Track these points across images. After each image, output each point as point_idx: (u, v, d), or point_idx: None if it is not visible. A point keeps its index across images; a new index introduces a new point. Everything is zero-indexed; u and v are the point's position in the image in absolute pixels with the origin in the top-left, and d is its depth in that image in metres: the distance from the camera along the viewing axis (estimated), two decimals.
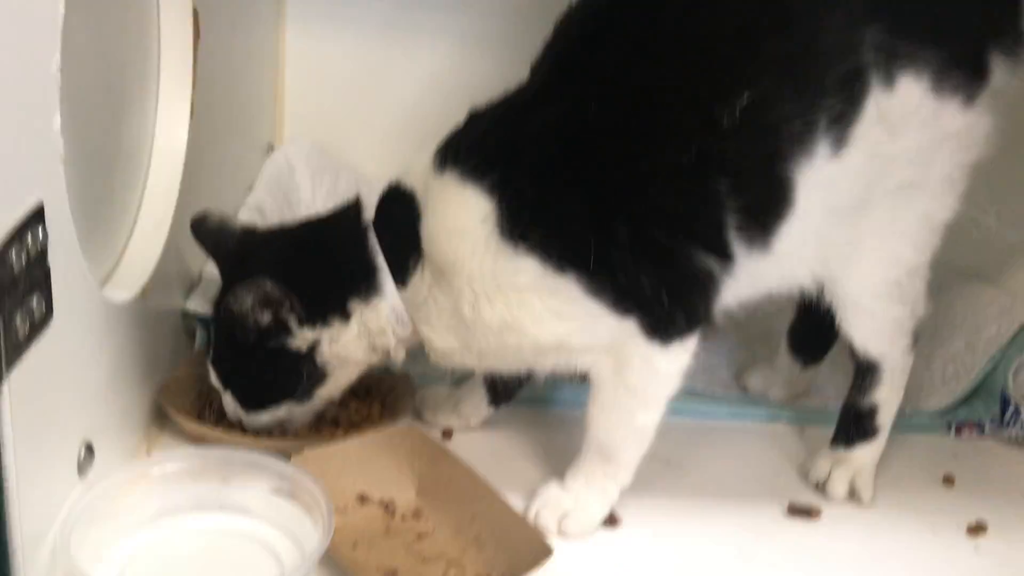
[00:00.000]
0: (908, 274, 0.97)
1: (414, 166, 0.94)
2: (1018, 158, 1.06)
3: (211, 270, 1.11)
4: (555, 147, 0.88)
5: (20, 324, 0.68)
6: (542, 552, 0.83)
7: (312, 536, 0.82)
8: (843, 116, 0.86)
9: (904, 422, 1.13)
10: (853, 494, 1.01)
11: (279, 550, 0.85)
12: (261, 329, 0.93)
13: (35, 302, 0.70)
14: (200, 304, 1.10)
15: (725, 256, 0.88)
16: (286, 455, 0.91)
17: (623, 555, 0.90)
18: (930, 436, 1.14)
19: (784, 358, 1.16)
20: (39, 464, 0.74)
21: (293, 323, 0.93)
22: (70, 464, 0.80)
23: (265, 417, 0.98)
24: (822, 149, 0.86)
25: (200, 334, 1.09)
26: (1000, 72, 0.92)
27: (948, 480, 1.05)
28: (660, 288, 0.88)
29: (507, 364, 0.96)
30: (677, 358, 0.91)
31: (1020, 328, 1.14)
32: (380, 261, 0.93)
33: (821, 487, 1.02)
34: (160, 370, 1.03)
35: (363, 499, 0.94)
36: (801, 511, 0.97)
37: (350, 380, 0.99)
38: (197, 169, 1.08)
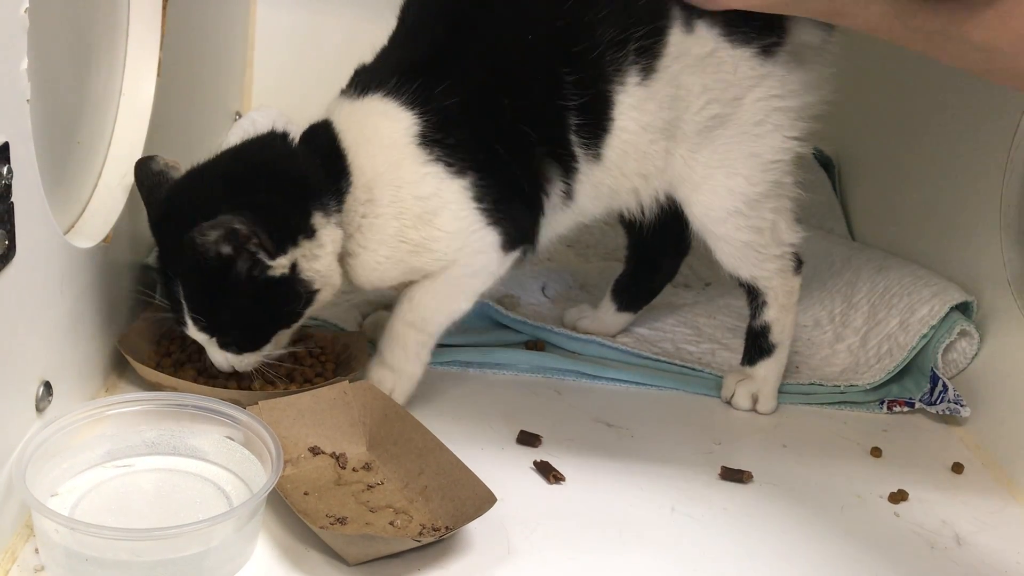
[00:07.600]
0: (747, 205, 1.05)
1: (327, 107, 1.02)
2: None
3: None
4: (452, 72, 0.97)
5: None
6: (486, 501, 0.84)
7: (262, 479, 0.83)
8: (649, 49, 0.98)
9: (839, 396, 1.18)
10: (755, 405, 1.14)
11: (228, 490, 0.85)
12: (230, 264, 0.91)
13: None
14: None
15: (570, 158, 1.00)
16: (241, 405, 0.91)
17: (566, 508, 0.93)
18: (863, 410, 1.17)
19: (605, 300, 1.27)
20: None
21: (264, 256, 0.91)
22: (28, 400, 0.80)
23: (256, 357, 0.98)
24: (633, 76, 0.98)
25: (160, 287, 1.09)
26: (806, 30, 1.00)
27: (876, 452, 1.09)
28: (522, 198, 1.01)
29: (405, 279, 1.04)
30: (507, 263, 1.04)
31: (951, 309, 1.16)
32: (321, 179, 0.96)
33: (729, 401, 1.16)
34: (121, 319, 1.03)
35: (315, 451, 0.94)
36: (733, 475, 1.00)
37: (331, 295, 1.00)
38: (164, 129, 1.08)
